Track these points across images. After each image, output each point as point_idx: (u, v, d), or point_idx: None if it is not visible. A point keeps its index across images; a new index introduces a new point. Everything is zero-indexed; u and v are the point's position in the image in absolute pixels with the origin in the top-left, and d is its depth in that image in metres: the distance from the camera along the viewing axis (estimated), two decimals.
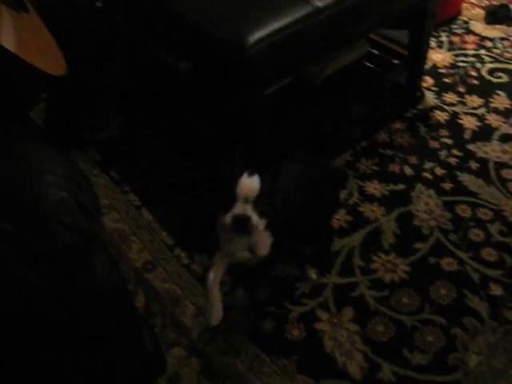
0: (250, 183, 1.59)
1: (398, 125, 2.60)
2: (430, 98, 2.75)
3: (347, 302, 1.98)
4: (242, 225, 1.59)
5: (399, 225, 2.18)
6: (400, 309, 1.95)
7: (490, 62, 2.95)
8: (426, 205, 2.24)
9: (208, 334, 1.92)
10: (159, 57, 2.32)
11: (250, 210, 1.58)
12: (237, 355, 1.87)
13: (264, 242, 1.75)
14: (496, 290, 1.98)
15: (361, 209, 2.25)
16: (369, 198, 2.28)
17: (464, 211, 2.22)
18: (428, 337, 1.88)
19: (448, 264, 2.06)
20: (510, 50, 3.04)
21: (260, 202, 1.59)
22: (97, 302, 1.36)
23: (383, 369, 1.82)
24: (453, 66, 2.95)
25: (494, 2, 3.39)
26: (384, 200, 2.27)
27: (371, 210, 2.24)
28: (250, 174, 1.60)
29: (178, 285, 2.07)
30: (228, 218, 1.59)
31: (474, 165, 2.40)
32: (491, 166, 2.39)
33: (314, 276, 2.05)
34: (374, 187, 2.32)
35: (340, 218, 2.21)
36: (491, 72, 2.89)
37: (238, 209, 1.58)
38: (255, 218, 1.59)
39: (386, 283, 2.02)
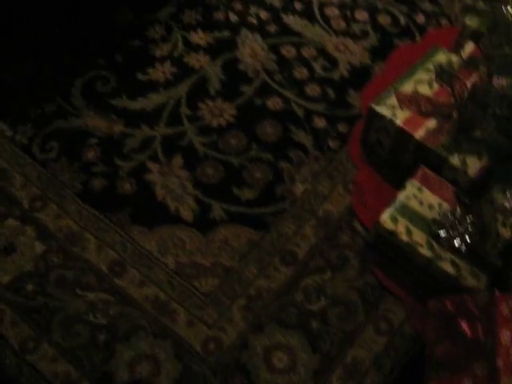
0: None
1: None
2: None
3: (176, 151, 1.97)
4: None
5: (225, 71, 2.16)
6: (228, 151, 1.98)
7: None
8: (251, 49, 2.22)
9: (39, 202, 1.87)
10: None
11: None
12: (69, 215, 1.84)
13: None
14: (320, 123, 2.05)
15: (186, 60, 2.19)
16: (194, 48, 2.22)
17: (289, 52, 2.23)
18: (256, 173, 1.93)
19: (274, 103, 2.09)
20: None
21: None
22: None
23: (214, 209, 1.86)
24: None
25: None
26: (209, 49, 2.22)
27: (196, 60, 2.19)
28: None
29: (2, 157, 1.97)
30: None
31: (298, 6, 2.39)
32: (315, 4, 2.39)
33: None
34: (198, 37, 2.26)
35: (165, 70, 2.15)
36: None
37: None
38: None
39: (213, 128, 2.02)
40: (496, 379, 1.38)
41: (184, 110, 2.06)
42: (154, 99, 2.08)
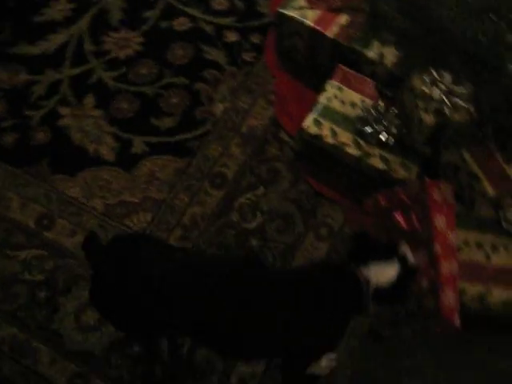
0: None
1: None
2: None
3: (86, 90, 1.87)
4: None
5: None
6: (140, 81, 1.88)
7: None
8: None
9: None
10: None
11: None
12: None
13: None
14: (231, 37, 1.96)
15: None
16: None
17: None
18: (173, 100, 1.85)
19: (180, 24, 1.98)
20: None
21: None
22: None
23: (135, 143, 1.79)
24: None
25: None
26: None
27: None
28: None
29: None
30: None
31: None
32: None
33: None
34: None
35: (62, 7, 2.01)
36: None
37: None
38: None
39: (121, 60, 1.92)
40: (436, 264, 1.39)
41: (88, 47, 1.94)
42: (55, 40, 1.96)
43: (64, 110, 1.84)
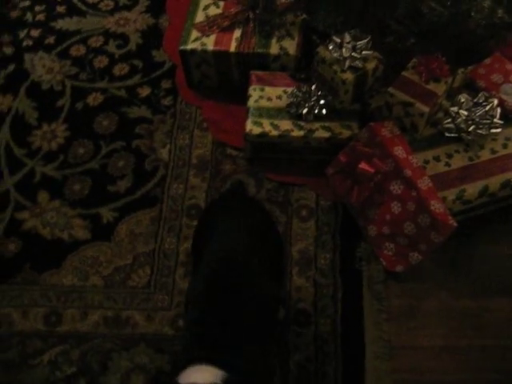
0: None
1: None
2: None
3: (36, 189, 1.91)
4: None
5: (32, 98, 2.10)
6: (82, 161, 1.95)
7: None
8: (43, 67, 2.18)
9: None
10: None
11: None
12: None
13: None
14: (144, 92, 2.08)
15: None
16: None
17: (78, 50, 2.22)
18: (119, 163, 1.93)
19: (94, 99, 2.07)
20: None
21: None
22: None
23: (103, 214, 1.84)
24: None
25: None
26: (5, 88, 2.15)
27: (0, 103, 2.11)
28: None
29: None
30: None
31: (61, 9, 2.36)
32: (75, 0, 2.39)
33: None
34: None
35: None
36: None
37: None
38: None
39: (55, 151, 1.98)
40: (413, 185, 1.55)
41: (18, 151, 1.99)
42: None
43: (22, 215, 1.86)
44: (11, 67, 2.21)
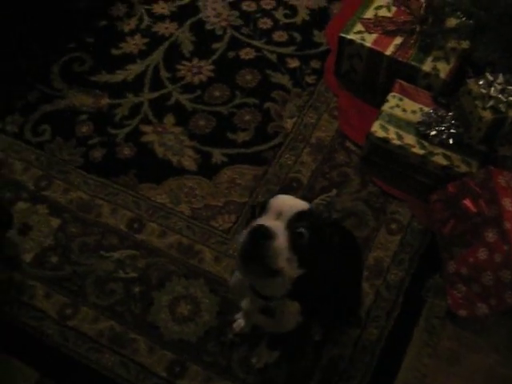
0: (286, 198, 1.13)
1: None
2: None
3: (165, 111, 2.06)
4: (259, 245, 1.04)
5: (194, 33, 2.26)
6: (214, 102, 2.08)
7: None
8: (213, 10, 2.33)
9: (44, 181, 1.92)
10: None
11: (278, 226, 1.06)
12: (76, 187, 1.90)
13: (288, 309, 1.24)
14: (293, 63, 2.17)
15: (154, 29, 2.27)
16: (159, 18, 2.31)
17: (250, 6, 2.35)
18: (246, 117, 2.04)
19: (246, 53, 2.20)
20: None
21: (297, 224, 1.07)
22: None
23: (214, 154, 1.96)
24: None
25: None
26: (174, 16, 2.31)
27: (165, 28, 2.27)
28: None
29: None
30: (243, 235, 1.07)
31: None
32: None
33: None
34: (161, 7, 2.34)
35: (137, 42, 2.23)
36: None
37: (261, 221, 1.07)
38: (281, 237, 1.05)
39: (195, 85, 2.12)
40: (508, 239, 1.54)
41: (164, 74, 2.15)
42: (133, 69, 2.16)
43: (146, 128, 2.02)
44: (179, 2, 2.37)
